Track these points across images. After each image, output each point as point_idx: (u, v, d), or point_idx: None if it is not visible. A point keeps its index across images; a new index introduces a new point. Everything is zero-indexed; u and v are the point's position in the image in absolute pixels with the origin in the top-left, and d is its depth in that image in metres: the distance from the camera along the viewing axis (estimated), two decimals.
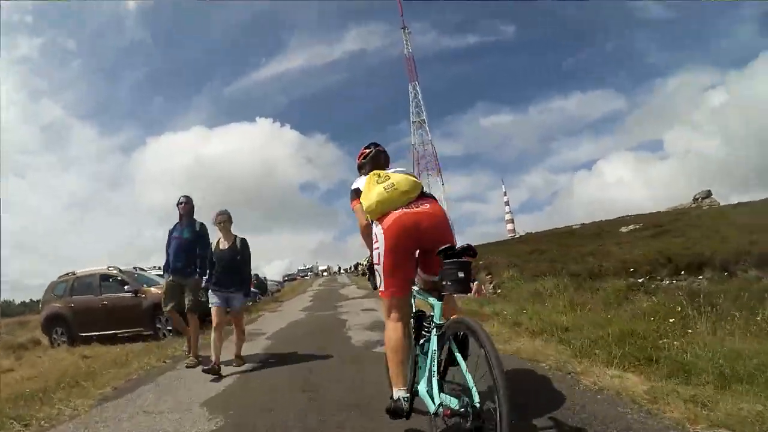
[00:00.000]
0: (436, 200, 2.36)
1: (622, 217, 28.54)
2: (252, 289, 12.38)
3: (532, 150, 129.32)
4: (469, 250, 1.95)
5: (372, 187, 2.27)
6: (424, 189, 2.35)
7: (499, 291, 11.87)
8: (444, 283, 1.95)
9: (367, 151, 2.71)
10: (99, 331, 8.46)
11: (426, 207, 2.24)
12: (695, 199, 29.68)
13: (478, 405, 1.59)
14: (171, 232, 4.97)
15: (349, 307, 10.35)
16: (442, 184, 73.49)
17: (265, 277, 21.51)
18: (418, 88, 75.78)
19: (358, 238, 2.58)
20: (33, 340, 11.05)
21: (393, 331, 2.22)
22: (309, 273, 62.93)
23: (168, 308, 4.91)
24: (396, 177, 2.28)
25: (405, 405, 2.02)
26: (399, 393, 2.07)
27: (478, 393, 1.62)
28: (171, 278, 4.91)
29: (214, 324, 4.36)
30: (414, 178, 2.32)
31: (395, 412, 2.04)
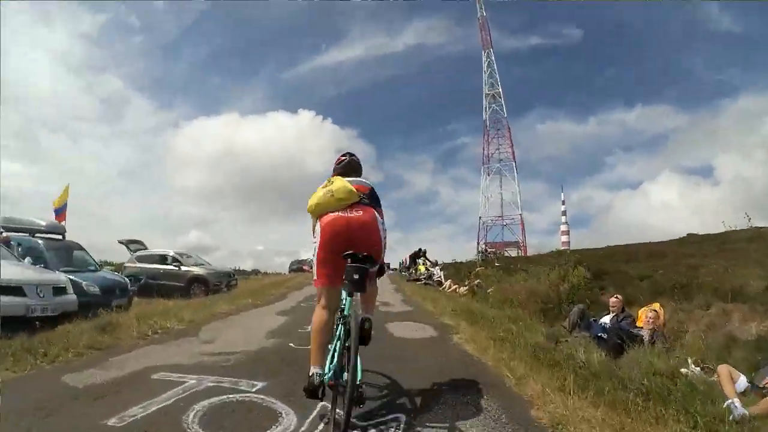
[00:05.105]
0: (373, 208, 2.61)
1: None
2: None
3: (586, 162, 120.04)
4: (369, 259, 2.36)
5: (319, 191, 2.58)
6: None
7: None
8: (344, 281, 2.35)
9: (343, 158, 2.93)
10: None
11: (359, 214, 2.50)
12: None
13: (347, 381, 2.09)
14: None
15: None
16: (516, 172, 58.26)
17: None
18: (492, 56, 61.37)
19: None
20: None
21: (319, 315, 2.47)
22: None
23: None
24: (337, 185, 2.55)
25: (317, 380, 2.22)
26: (314, 369, 2.29)
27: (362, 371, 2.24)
28: None
29: None
30: (352, 188, 2.55)
31: (308, 387, 2.23)
